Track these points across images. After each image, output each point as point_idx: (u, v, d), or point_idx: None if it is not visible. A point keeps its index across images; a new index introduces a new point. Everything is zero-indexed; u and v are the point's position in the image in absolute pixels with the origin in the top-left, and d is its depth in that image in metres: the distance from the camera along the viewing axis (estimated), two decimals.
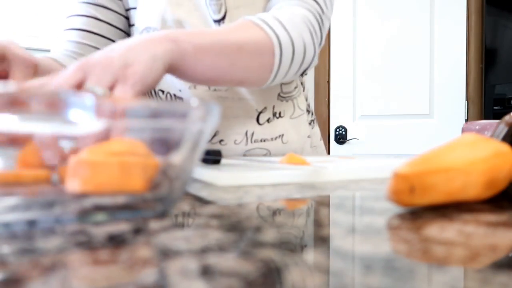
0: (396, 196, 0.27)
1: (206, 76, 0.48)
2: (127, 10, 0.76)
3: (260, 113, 0.73)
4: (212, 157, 0.49)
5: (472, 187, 0.29)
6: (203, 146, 0.26)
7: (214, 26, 0.67)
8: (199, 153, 0.26)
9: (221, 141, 0.73)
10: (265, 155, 0.75)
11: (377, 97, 2.14)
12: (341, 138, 2.17)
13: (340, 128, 2.19)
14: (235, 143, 0.73)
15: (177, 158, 0.25)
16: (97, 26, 0.74)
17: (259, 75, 0.53)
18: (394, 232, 0.22)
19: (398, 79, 2.11)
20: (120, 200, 0.24)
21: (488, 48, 2.05)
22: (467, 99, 2.06)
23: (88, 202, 0.23)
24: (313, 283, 0.15)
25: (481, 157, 0.30)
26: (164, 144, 0.25)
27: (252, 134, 0.72)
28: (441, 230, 0.22)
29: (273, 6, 0.63)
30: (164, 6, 0.68)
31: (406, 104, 2.11)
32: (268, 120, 0.74)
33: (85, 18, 0.74)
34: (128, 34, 0.79)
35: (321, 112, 2.26)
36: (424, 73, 2.09)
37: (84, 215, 0.23)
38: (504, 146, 0.33)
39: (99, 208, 0.24)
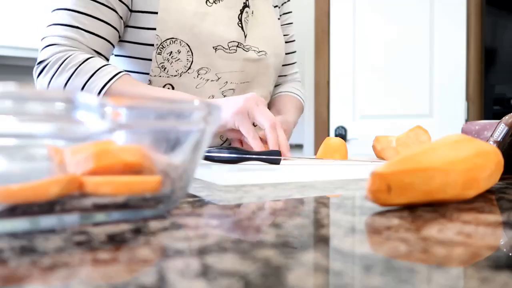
0: (373, 195, 0.27)
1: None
2: (135, 11, 0.70)
3: None
4: (272, 157, 0.54)
5: (452, 186, 0.29)
6: (206, 146, 0.26)
7: (235, 38, 0.75)
8: (201, 154, 0.26)
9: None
10: None
11: (377, 97, 2.14)
12: (341, 138, 2.17)
13: (340, 128, 2.19)
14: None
15: (178, 158, 0.25)
16: (95, 27, 0.67)
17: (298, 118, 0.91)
18: (394, 232, 0.22)
19: (398, 79, 2.11)
20: (120, 200, 0.24)
21: (488, 48, 2.05)
22: (467, 99, 2.06)
23: (88, 202, 0.23)
24: (313, 283, 0.15)
25: (462, 157, 0.30)
26: (167, 145, 0.25)
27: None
28: (441, 230, 0.22)
29: (289, 80, 0.97)
30: (191, 18, 0.69)
31: (406, 104, 2.11)
32: None
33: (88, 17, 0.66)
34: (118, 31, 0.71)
35: (321, 112, 2.26)
36: (424, 73, 2.09)
37: (84, 215, 0.23)
38: (488, 146, 0.33)
39: (99, 208, 0.24)
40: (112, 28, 0.68)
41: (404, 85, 2.12)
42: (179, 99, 0.66)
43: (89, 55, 0.65)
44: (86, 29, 0.65)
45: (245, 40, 0.76)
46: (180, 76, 0.71)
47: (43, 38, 0.67)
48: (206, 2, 0.72)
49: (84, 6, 0.65)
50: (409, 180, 0.27)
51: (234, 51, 0.74)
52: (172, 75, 0.71)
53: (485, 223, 0.24)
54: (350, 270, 0.16)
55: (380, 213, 0.27)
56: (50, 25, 0.67)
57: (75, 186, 0.22)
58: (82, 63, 0.63)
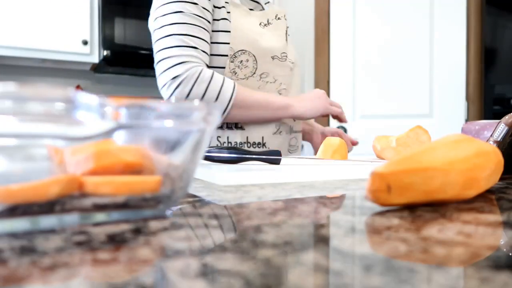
0: (373, 195, 0.27)
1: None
2: (215, 31, 0.91)
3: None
4: (272, 157, 0.56)
5: (451, 186, 0.29)
6: (206, 146, 0.26)
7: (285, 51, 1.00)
8: (201, 154, 0.26)
9: None
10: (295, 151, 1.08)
11: (377, 97, 2.14)
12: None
13: (340, 128, 2.19)
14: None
15: (178, 158, 0.25)
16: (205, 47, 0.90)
17: None
18: (394, 232, 0.22)
19: (398, 79, 2.11)
20: (120, 200, 0.24)
21: (488, 48, 2.05)
22: (467, 99, 2.06)
23: (88, 202, 0.23)
24: (313, 283, 0.15)
25: (461, 157, 0.30)
26: (166, 145, 0.25)
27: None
28: (441, 230, 0.22)
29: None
30: (254, 35, 0.92)
31: (406, 104, 2.11)
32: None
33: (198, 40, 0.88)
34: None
35: None
36: (424, 73, 2.09)
37: (84, 215, 0.23)
38: (488, 146, 0.33)
39: (99, 208, 0.24)
40: (209, 45, 0.90)
41: (404, 85, 2.12)
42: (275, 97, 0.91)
43: (212, 71, 0.86)
44: (200, 48, 0.87)
45: (288, 52, 1.01)
46: (247, 79, 0.92)
47: (165, 58, 0.85)
48: (259, 24, 0.97)
49: (193, 31, 0.86)
50: (409, 180, 0.27)
51: (284, 60, 0.98)
52: (240, 78, 0.91)
53: (485, 223, 0.24)
54: (350, 270, 0.16)
55: (380, 213, 0.27)
56: (167, 48, 0.85)
57: (75, 186, 0.22)
58: (211, 78, 0.84)
